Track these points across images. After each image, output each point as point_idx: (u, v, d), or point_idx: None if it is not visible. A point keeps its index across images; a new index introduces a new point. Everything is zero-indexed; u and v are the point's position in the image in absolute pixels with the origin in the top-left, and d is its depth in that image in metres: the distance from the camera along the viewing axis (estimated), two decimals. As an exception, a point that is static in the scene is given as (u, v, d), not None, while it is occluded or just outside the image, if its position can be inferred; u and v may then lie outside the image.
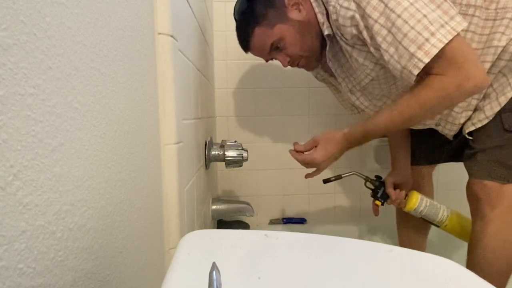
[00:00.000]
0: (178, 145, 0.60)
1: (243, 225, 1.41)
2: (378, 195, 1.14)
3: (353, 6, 0.77)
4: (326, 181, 1.24)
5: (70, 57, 0.28)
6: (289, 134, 1.48)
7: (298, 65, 0.98)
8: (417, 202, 1.08)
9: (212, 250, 0.36)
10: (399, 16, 0.72)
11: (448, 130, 0.98)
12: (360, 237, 1.51)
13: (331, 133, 0.90)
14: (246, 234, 0.41)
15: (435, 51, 0.70)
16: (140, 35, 0.47)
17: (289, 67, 0.99)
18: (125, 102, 0.41)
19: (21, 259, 0.22)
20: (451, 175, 1.43)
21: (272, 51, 0.93)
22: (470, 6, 0.81)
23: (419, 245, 1.22)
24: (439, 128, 0.99)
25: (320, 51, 0.94)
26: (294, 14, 0.89)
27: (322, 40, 0.91)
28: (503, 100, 0.84)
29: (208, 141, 1.05)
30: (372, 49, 0.80)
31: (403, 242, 1.25)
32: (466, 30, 0.82)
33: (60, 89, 0.27)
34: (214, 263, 0.24)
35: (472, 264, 0.91)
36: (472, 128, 0.90)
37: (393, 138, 1.16)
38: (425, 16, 0.71)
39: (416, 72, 0.73)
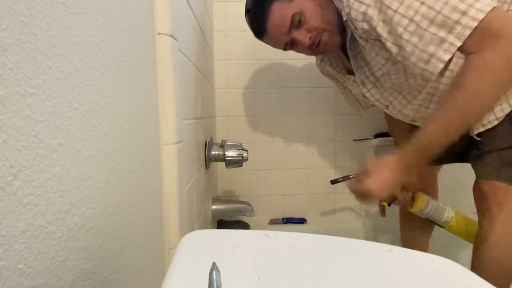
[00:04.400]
0: (178, 145, 0.60)
1: (243, 225, 1.41)
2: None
3: (368, 0, 0.74)
4: (334, 182, 1.24)
5: (70, 57, 0.28)
6: (289, 134, 1.48)
7: (320, 43, 0.89)
8: (423, 203, 1.08)
9: (212, 250, 0.35)
10: (422, 3, 0.68)
11: None
12: (360, 237, 1.51)
13: (383, 159, 0.81)
14: (246, 234, 0.41)
15: (467, 32, 0.65)
16: (140, 35, 0.47)
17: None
18: (125, 102, 0.41)
19: (21, 259, 0.22)
20: (451, 175, 1.43)
21: (292, 28, 0.87)
22: (505, 2, 0.78)
23: (422, 244, 1.21)
24: None
25: (341, 26, 0.89)
26: None
27: (341, 20, 0.87)
28: None
29: (208, 141, 1.05)
30: (388, 44, 0.76)
31: (406, 241, 1.25)
32: None
33: (60, 89, 0.27)
34: (214, 263, 0.24)
35: (477, 263, 0.91)
36: (481, 129, 0.89)
37: (399, 139, 1.16)
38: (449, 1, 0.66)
39: (447, 57, 0.68)
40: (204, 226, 0.97)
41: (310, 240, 0.39)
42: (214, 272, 0.24)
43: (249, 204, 1.24)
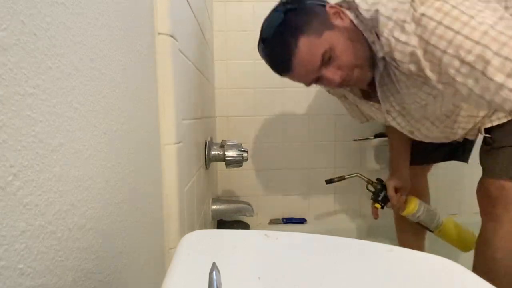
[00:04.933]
0: (178, 145, 0.60)
1: (243, 225, 1.41)
2: (379, 198, 1.14)
3: (413, 41, 0.67)
4: (329, 181, 1.24)
5: (70, 57, 0.28)
6: (289, 134, 1.48)
7: (351, 80, 0.81)
8: (415, 207, 1.09)
9: (212, 250, 0.35)
10: (477, 42, 0.61)
11: (470, 136, 0.97)
12: (360, 237, 1.51)
13: None
14: (246, 234, 0.41)
15: None
16: (140, 35, 0.47)
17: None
18: (125, 102, 0.41)
19: (21, 259, 0.22)
20: (451, 175, 1.43)
21: (322, 65, 0.78)
22: None
23: (417, 247, 1.22)
24: (464, 136, 0.98)
25: (372, 59, 0.81)
26: (338, 22, 0.78)
27: (371, 52, 0.79)
28: None
29: (208, 141, 1.05)
30: (440, 86, 0.70)
31: (402, 243, 1.25)
32: None
33: (60, 89, 0.27)
34: (214, 263, 0.24)
35: (480, 264, 0.91)
36: (489, 125, 0.89)
37: (395, 142, 1.16)
38: (502, 33, 0.60)
39: (509, 106, 0.62)
40: (204, 226, 0.97)
41: (310, 240, 0.39)
42: (214, 272, 0.24)
43: (249, 204, 1.24)
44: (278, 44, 0.78)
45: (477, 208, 0.96)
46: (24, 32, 0.22)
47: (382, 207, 1.15)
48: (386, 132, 1.23)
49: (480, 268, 0.90)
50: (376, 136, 1.44)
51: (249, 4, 1.40)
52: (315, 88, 1.46)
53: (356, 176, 1.23)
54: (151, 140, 0.52)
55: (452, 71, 0.65)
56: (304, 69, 0.79)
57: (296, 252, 0.36)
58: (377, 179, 1.19)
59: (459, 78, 0.64)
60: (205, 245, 0.36)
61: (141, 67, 0.47)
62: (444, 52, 0.64)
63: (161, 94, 0.56)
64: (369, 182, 1.19)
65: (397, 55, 0.70)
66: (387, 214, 1.28)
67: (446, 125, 0.91)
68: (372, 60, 0.80)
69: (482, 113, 0.88)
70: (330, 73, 0.79)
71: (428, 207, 1.11)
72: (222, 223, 1.36)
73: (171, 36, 0.56)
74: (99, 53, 0.34)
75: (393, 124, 0.95)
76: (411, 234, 1.21)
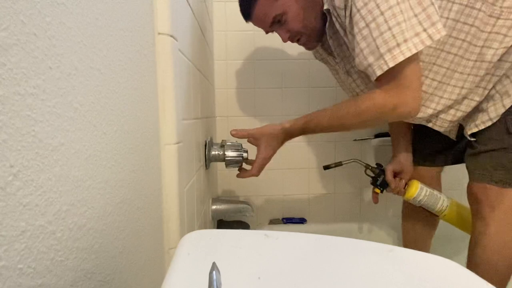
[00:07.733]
0: (178, 145, 0.60)
1: (243, 225, 1.41)
2: (378, 183, 1.14)
3: None
4: (326, 167, 1.24)
5: (70, 57, 0.28)
6: (289, 134, 1.48)
7: (298, 42, 0.97)
8: (416, 191, 1.08)
9: (212, 250, 0.35)
10: (382, 13, 0.70)
11: (439, 127, 0.97)
12: (360, 237, 1.51)
13: (270, 128, 0.96)
14: (246, 234, 0.41)
15: (401, 59, 0.70)
16: (140, 35, 0.47)
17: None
18: (125, 102, 0.41)
19: (21, 259, 0.22)
20: (452, 175, 1.43)
21: (274, 24, 0.93)
22: (478, 0, 0.78)
23: (424, 241, 1.21)
24: (430, 124, 0.99)
25: (322, 30, 0.92)
26: None
27: (325, 17, 0.89)
28: (508, 103, 0.83)
29: (208, 141, 1.05)
30: (350, 37, 0.79)
31: (407, 237, 1.23)
32: (471, 25, 0.80)
33: (60, 89, 0.27)
34: (214, 263, 0.24)
35: (472, 264, 0.91)
36: (474, 130, 0.89)
37: (394, 128, 1.16)
38: (405, 20, 0.70)
39: (379, 73, 0.73)
40: (204, 226, 0.97)
41: (310, 240, 0.39)
42: (214, 272, 0.24)
43: (249, 204, 1.24)
44: None
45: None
46: (24, 32, 0.22)
47: (381, 191, 1.15)
48: (389, 131, 1.23)
49: (472, 268, 0.90)
50: (376, 136, 1.44)
51: (249, 4, 1.39)
52: (315, 88, 1.46)
53: (353, 161, 1.23)
54: (151, 140, 0.52)
55: (356, 30, 0.74)
56: (258, 23, 0.95)
57: (296, 252, 0.36)
58: (377, 164, 1.19)
59: (357, 37, 0.74)
60: (205, 245, 0.36)
61: (141, 67, 0.47)
62: (358, 11, 0.73)
63: (161, 94, 0.56)
64: (367, 167, 1.19)
65: (336, 2, 0.78)
66: (388, 214, 1.28)
67: None
68: (321, 29, 0.91)
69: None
70: (281, 31, 0.94)
71: (431, 191, 1.09)
72: (222, 223, 1.36)
73: (171, 36, 0.56)
74: (99, 53, 0.34)
75: (354, 86, 1.00)
76: (419, 226, 1.20)
